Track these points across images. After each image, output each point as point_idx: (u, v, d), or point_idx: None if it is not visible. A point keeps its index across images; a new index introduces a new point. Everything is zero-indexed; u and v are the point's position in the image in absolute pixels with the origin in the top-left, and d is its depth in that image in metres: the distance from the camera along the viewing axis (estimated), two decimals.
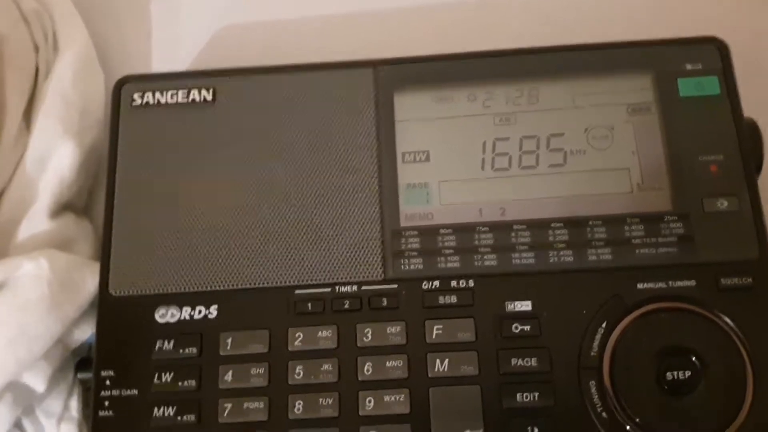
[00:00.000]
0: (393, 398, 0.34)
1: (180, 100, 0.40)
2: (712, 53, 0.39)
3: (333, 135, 0.39)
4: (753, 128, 0.38)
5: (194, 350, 0.36)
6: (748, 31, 0.43)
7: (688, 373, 0.34)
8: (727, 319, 0.34)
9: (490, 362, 0.35)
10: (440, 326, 0.35)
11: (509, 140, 0.38)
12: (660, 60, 0.39)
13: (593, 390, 0.34)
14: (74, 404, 0.39)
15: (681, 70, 0.38)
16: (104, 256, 0.38)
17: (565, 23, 0.44)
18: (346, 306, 0.36)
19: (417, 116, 0.39)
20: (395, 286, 0.36)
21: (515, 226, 0.37)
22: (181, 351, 0.36)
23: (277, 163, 0.38)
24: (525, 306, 0.35)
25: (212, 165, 0.39)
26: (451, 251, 0.37)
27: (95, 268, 0.38)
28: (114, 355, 0.36)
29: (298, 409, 0.35)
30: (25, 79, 0.42)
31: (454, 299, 0.36)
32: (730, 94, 0.38)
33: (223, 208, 0.38)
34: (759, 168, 0.38)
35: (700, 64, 0.38)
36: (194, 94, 0.40)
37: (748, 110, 0.38)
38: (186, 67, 0.46)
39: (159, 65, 0.46)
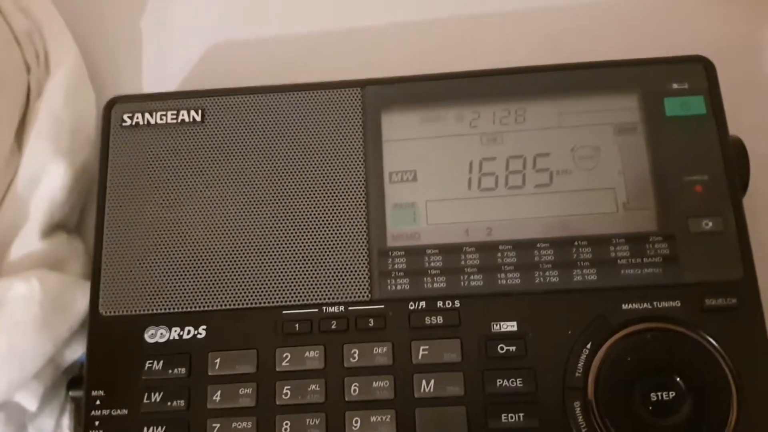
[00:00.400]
0: (379, 419, 0.35)
1: (169, 120, 0.40)
2: (699, 72, 0.39)
3: (320, 155, 0.39)
4: (738, 147, 0.38)
5: (183, 370, 0.36)
6: (733, 50, 0.43)
7: (672, 394, 0.34)
8: (712, 340, 0.34)
9: (476, 383, 0.35)
10: (426, 347, 0.36)
11: (496, 160, 0.38)
12: (646, 79, 0.39)
13: (578, 411, 0.34)
14: (66, 422, 0.39)
15: (667, 90, 0.38)
16: (94, 277, 0.38)
17: (553, 41, 0.44)
18: (333, 326, 0.36)
19: (404, 136, 0.39)
20: (382, 306, 0.36)
21: (501, 247, 0.37)
22: (170, 371, 0.36)
23: (266, 183, 0.39)
24: (511, 326, 0.36)
25: (201, 185, 0.39)
26: (438, 271, 0.37)
27: (86, 288, 0.38)
28: (104, 375, 0.36)
29: (286, 430, 0.35)
30: (17, 100, 0.42)
31: (440, 320, 0.36)
32: (715, 113, 0.38)
33: (212, 228, 0.38)
34: (744, 187, 0.38)
35: (686, 83, 0.38)
36: (183, 115, 0.40)
37: (734, 129, 0.38)
38: (176, 84, 0.46)
39: (149, 83, 0.46)
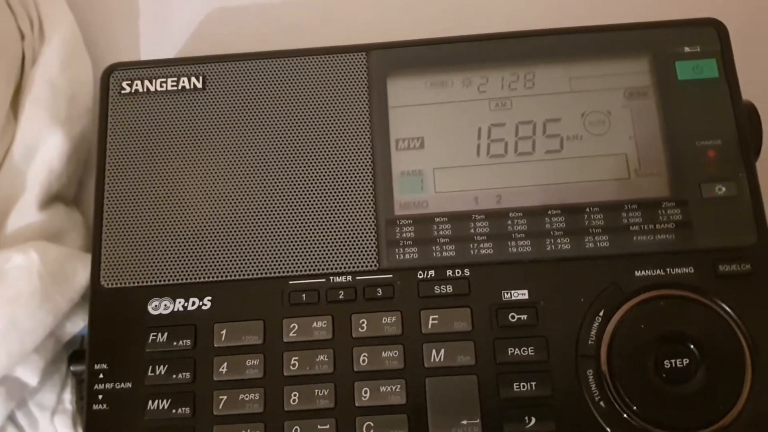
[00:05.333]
0: (389, 389, 0.34)
1: (170, 87, 0.39)
2: (711, 35, 0.38)
3: (325, 122, 0.38)
4: (752, 112, 0.37)
5: (188, 342, 0.35)
6: (746, 13, 0.42)
7: (686, 361, 0.33)
8: (726, 306, 0.34)
9: (487, 352, 0.34)
10: (436, 316, 0.35)
11: (505, 126, 0.38)
12: (657, 43, 0.38)
13: (591, 379, 0.34)
14: (68, 397, 0.39)
15: (679, 53, 0.38)
16: (95, 248, 0.37)
17: (562, 5, 0.43)
18: (341, 296, 0.36)
19: (411, 102, 0.38)
20: (390, 275, 0.36)
21: (511, 214, 0.36)
22: (174, 343, 0.35)
23: (270, 150, 0.38)
24: (522, 295, 0.35)
25: (203, 153, 0.38)
26: (447, 240, 0.36)
27: (86, 260, 0.38)
28: (107, 348, 0.36)
29: (294, 401, 0.34)
30: (12, 67, 0.41)
31: (449, 289, 0.35)
32: (728, 77, 0.37)
33: (215, 197, 0.37)
34: (757, 152, 0.37)
35: (698, 46, 0.38)
36: (184, 82, 0.39)
37: (746, 94, 0.37)
38: (175, 53, 0.45)
39: (147, 52, 0.45)
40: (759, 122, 0.37)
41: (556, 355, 0.34)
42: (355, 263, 0.36)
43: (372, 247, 0.36)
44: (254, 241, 0.37)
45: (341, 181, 0.37)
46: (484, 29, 0.39)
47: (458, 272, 0.36)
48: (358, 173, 0.37)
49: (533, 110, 0.38)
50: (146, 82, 0.39)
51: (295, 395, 0.34)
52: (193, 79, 0.39)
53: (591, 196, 0.36)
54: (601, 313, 0.34)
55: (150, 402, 0.35)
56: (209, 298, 0.36)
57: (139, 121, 0.39)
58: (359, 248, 0.36)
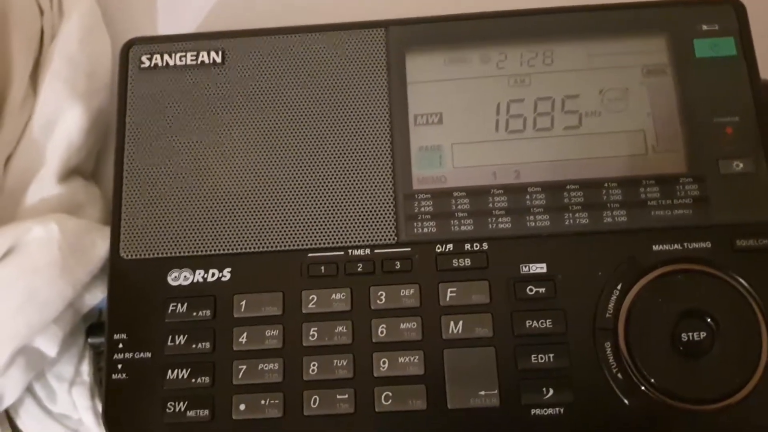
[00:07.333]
0: (407, 359, 0.35)
1: (189, 61, 0.39)
2: (729, 14, 0.38)
3: (344, 97, 0.38)
4: None
5: (208, 313, 0.36)
6: None
7: (703, 335, 0.34)
8: (743, 281, 0.34)
9: (505, 324, 0.35)
10: (454, 289, 0.35)
11: (524, 102, 0.38)
12: (675, 21, 0.38)
13: (608, 351, 0.34)
14: (85, 369, 0.39)
15: (697, 31, 0.38)
16: (115, 220, 0.37)
17: None
18: (360, 269, 0.36)
19: (429, 78, 0.39)
20: (408, 249, 0.36)
21: (530, 189, 0.36)
22: (194, 314, 0.36)
23: (289, 125, 0.38)
24: (540, 268, 0.35)
25: (222, 127, 0.38)
26: (465, 214, 0.36)
27: (105, 232, 0.38)
28: (126, 318, 0.36)
29: (313, 371, 0.35)
30: (31, 43, 0.41)
31: (467, 262, 0.36)
32: (746, 55, 0.37)
33: (234, 171, 0.38)
34: None
35: (716, 24, 0.38)
36: (203, 56, 0.39)
37: (765, 72, 0.37)
38: (192, 29, 0.45)
39: (164, 28, 0.45)
40: None
41: (573, 327, 0.34)
42: (374, 237, 0.36)
43: (390, 220, 0.37)
44: (274, 213, 0.37)
45: (360, 156, 0.38)
46: (503, 6, 0.39)
47: (476, 246, 0.36)
48: (376, 148, 0.38)
49: (552, 86, 0.38)
50: (165, 57, 0.39)
51: (314, 365, 0.35)
52: (213, 54, 0.39)
53: (609, 171, 0.36)
54: (618, 287, 0.35)
55: (169, 371, 0.35)
56: (229, 269, 0.36)
57: (158, 95, 0.39)
58: (378, 222, 0.37)
